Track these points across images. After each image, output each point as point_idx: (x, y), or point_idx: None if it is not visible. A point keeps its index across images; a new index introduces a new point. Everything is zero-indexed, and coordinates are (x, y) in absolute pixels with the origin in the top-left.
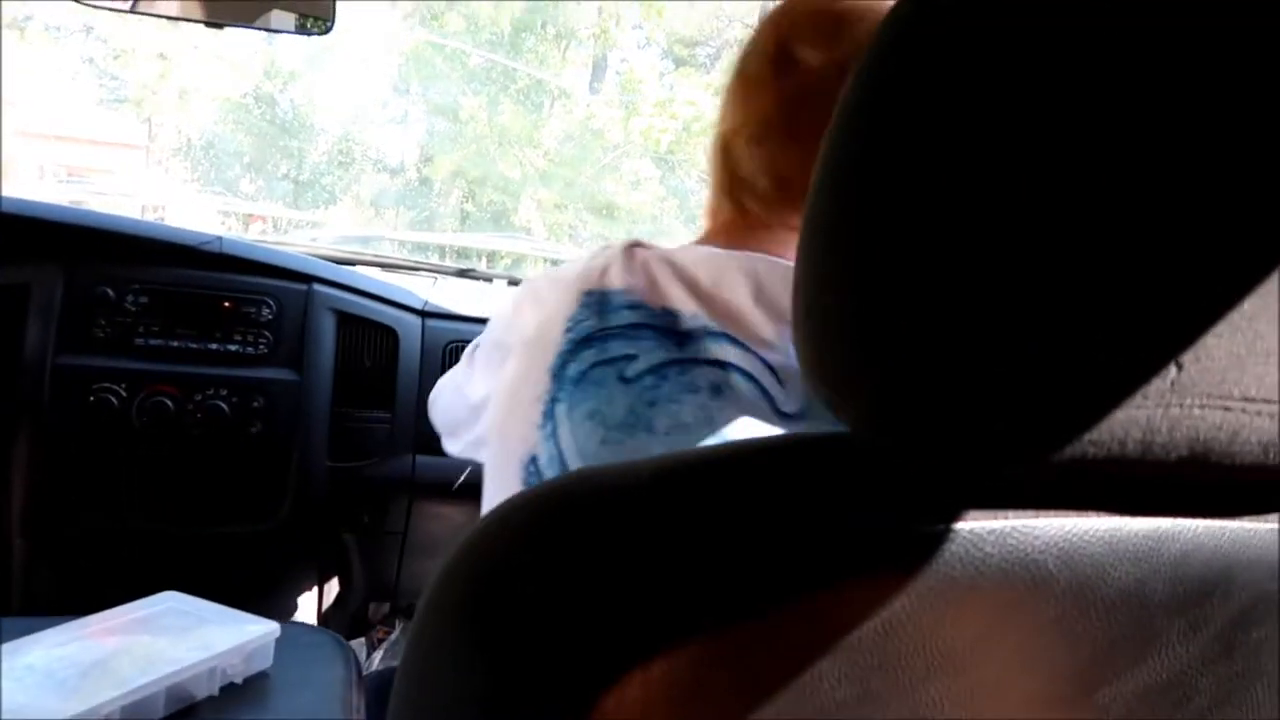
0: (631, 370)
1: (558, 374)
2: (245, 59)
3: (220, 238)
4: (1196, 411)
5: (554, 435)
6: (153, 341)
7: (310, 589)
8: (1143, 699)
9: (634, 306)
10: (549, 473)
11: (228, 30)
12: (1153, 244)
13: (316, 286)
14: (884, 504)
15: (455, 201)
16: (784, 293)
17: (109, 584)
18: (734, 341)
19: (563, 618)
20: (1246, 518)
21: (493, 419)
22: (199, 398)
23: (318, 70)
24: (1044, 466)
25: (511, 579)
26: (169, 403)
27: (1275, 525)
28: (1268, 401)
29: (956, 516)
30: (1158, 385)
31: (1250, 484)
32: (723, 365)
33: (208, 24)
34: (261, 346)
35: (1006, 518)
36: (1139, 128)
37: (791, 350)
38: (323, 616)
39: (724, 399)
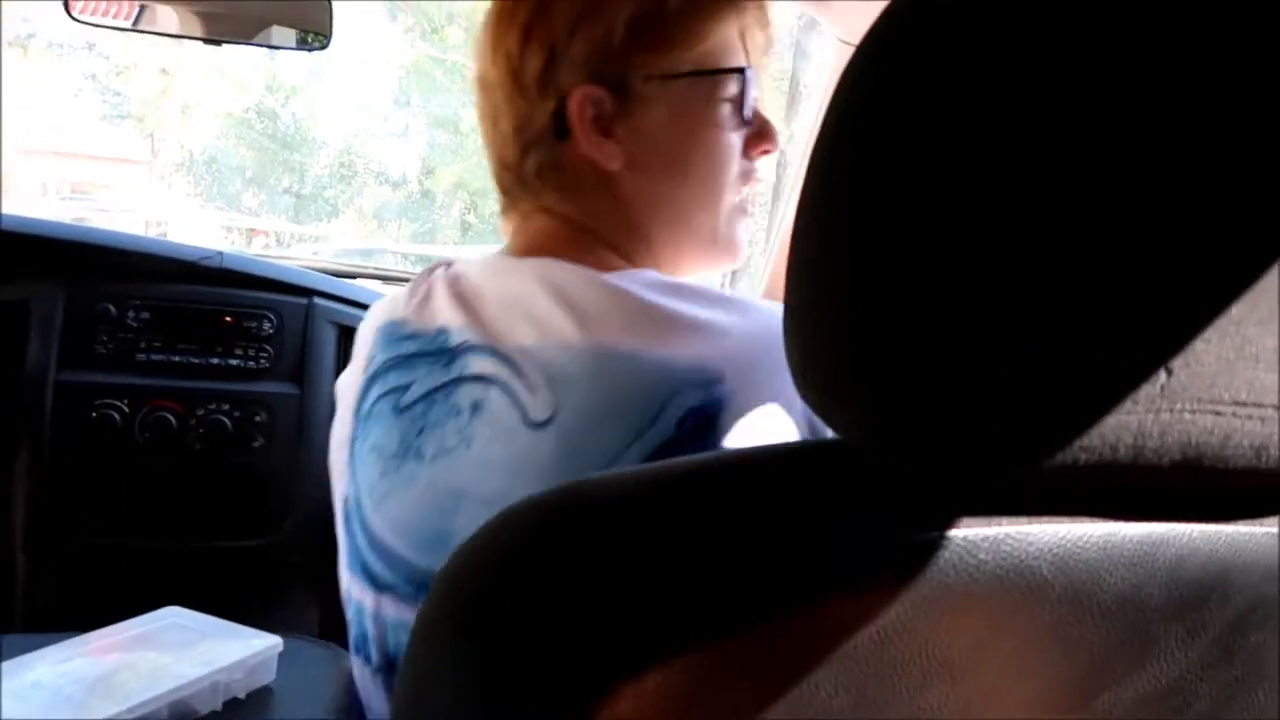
0: (406, 399)
1: (357, 412)
2: (247, 74)
3: (221, 253)
4: (1187, 416)
5: (354, 472)
6: (154, 357)
7: (313, 603)
8: (1142, 705)
9: (412, 336)
10: (355, 511)
11: (228, 46)
12: (1142, 249)
13: (317, 300)
14: (876, 512)
15: (457, 213)
16: (541, 297)
17: (111, 599)
18: (493, 354)
19: (555, 629)
20: (1242, 521)
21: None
22: (201, 412)
23: (319, 85)
24: (1036, 472)
25: (503, 592)
26: (171, 418)
27: (1272, 529)
28: (1259, 405)
29: (950, 524)
30: (1148, 390)
31: (1244, 488)
32: (484, 380)
33: (207, 40)
34: (263, 361)
35: (1000, 524)
36: (1131, 132)
37: (551, 354)
38: (325, 630)
39: (480, 417)
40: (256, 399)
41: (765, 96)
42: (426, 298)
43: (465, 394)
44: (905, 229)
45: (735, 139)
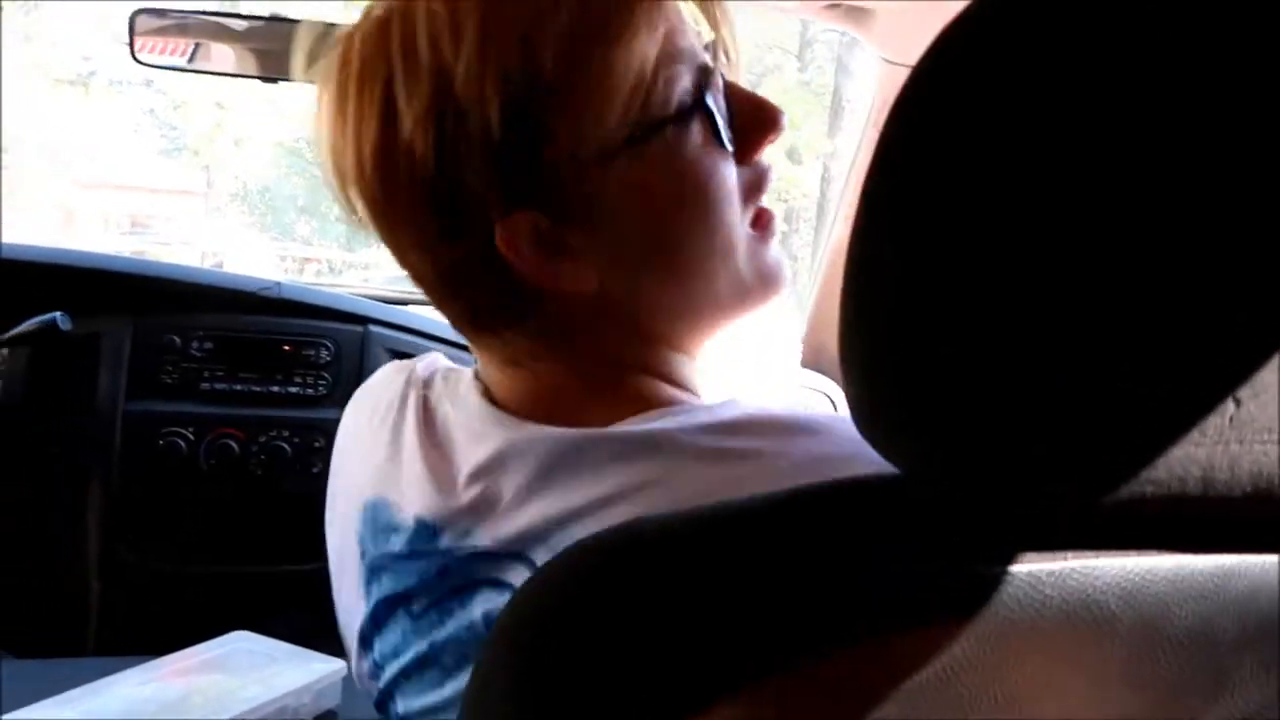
0: (416, 607)
1: (366, 596)
2: (297, 106)
3: (279, 283)
4: (1257, 448)
5: (375, 661)
6: (218, 386)
7: None
8: None
9: (395, 528)
10: (378, 686)
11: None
12: (1207, 281)
13: (372, 327)
14: (939, 547)
15: None
16: (562, 472)
17: (176, 622)
18: (503, 554)
19: (616, 669)
20: None
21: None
22: (262, 439)
23: None
24: (1102, 507)
25: (562, 633)
26: (234, 445)
27: None
28: None
29: (1014, 558)
30: (1215, 422)
31: None
32: (498, 585)
33: (263, 79)
34: (321, 388)
35: (1065, 559)
36: (1199, 160)
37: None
38: None
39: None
40: (315, 425)
41: (804, 110)
42: (396, 447)
43: (479, 604)
44: (960, 264)
45: (723, 171)
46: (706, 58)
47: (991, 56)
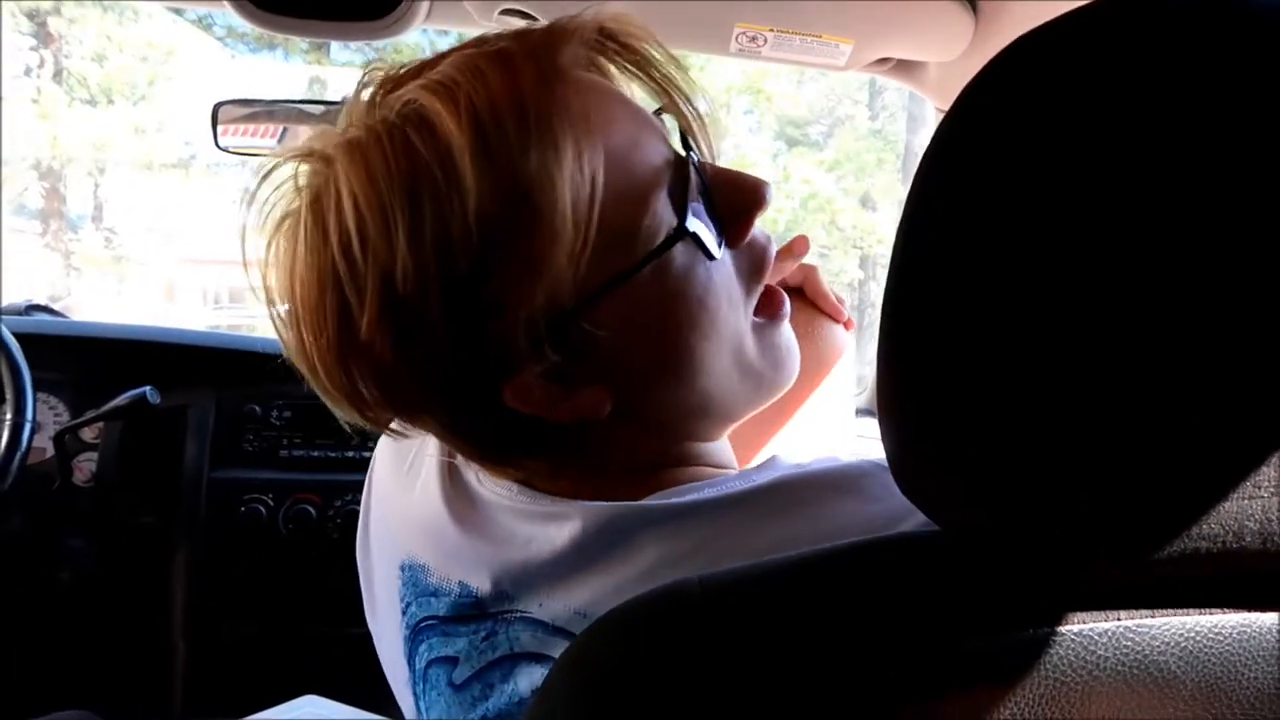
0: (458, 676)
1: (410, 663)
2: None
3: None
4: None
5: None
6: (295, 452)
7: None
8: None
9: (435, 593)
10: None
11: None
12: (1249, 330)
13: None
14: (986, 607)
15: None
16: (595, 549)
17: (256, 684)
18: (541, 625)
19: None
20: None
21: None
22: (338, 503)
23: None
24: (1154, 564)
25: (607, 694)
26: (311, 510)
27: None
28: None
29: (1063, 618)
30: (1269, 473)
31: None
32: (540, 660)
33: None
34: None
35: (1119, 618)
36: (1236, 204)
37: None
38: None
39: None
40: None
41: (876, 158)
42: (429, 508)
43: (524, 678)
44: (998, 312)
45: (718, 274)
46: (672, 149)
47: (1014, 115)
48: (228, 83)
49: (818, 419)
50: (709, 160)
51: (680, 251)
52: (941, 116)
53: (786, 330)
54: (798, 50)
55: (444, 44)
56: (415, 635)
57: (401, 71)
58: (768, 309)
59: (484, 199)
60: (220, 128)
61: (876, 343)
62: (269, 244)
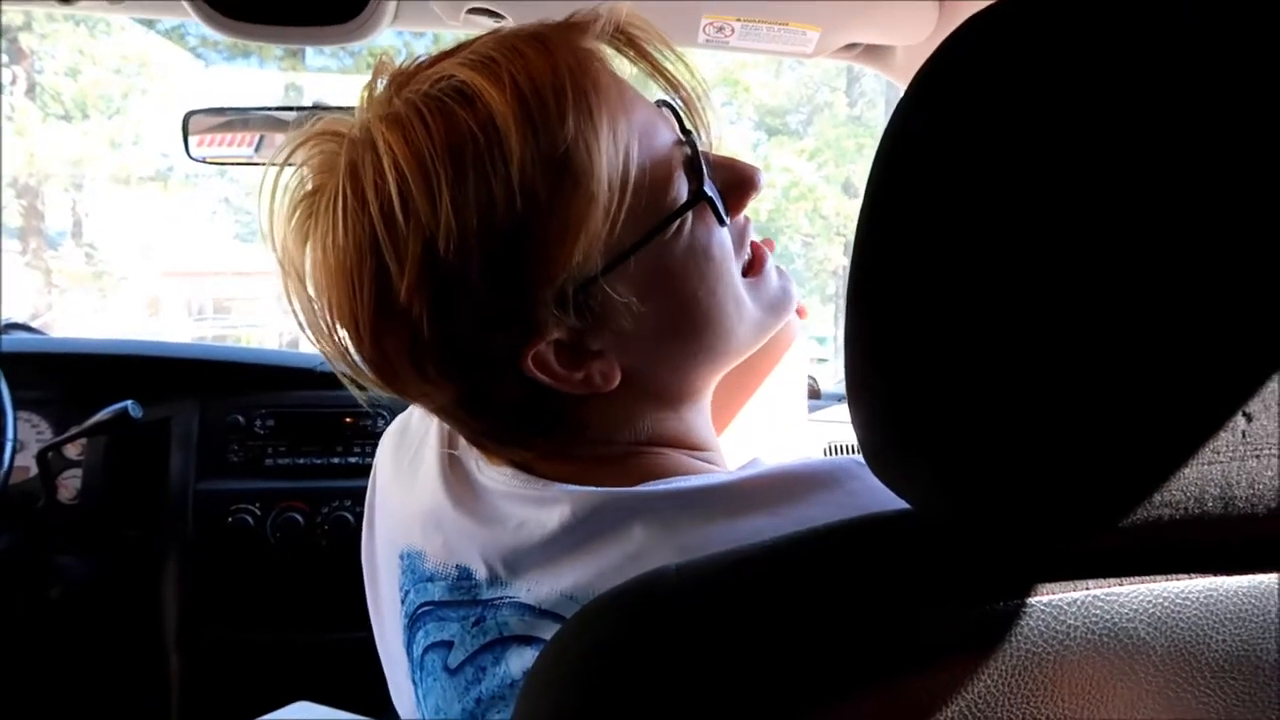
0: (452, 660)
1: (409, 651)
2: None
3: None
4: (1275, 461)
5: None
6: (281, 461)
7: None
8: None
9: (432, 578)
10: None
11: None
12: (1206, 296)
13: None
14: (955, 581)
15: None
16: (596, 540)
17: (247, 691)
18: (531, 609)
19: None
20: None
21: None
22: (325, 510)
23: None
24: (1120, 532)
25: (589, 679)
26: (299, 518)
27: None
28: None
29: (1032, 590)
30: (1227, 438)
31: None
32: (532, 642)
33: None
34: None
35: (1087, 587)
36: (1191, 175)
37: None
38: None
39: None
40: None
41: (856, 144)
42: (430, 497)
43: (514, 660)
44: (959, 286)
45: (721, 236)
46: (677, 134)
47: (972, 92)
48: (203, 92)
49: (775, 400)
50: (708, 148)
51: (697, 214)
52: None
53: (773, 276)
54: (765, 39)
55: (419, 46)
56: (413, 623)
57: (413, 65)
58: (754, 268)
59: (526, 163)
60: (194, 138)
61: (848, 328)
62: (292, 221)
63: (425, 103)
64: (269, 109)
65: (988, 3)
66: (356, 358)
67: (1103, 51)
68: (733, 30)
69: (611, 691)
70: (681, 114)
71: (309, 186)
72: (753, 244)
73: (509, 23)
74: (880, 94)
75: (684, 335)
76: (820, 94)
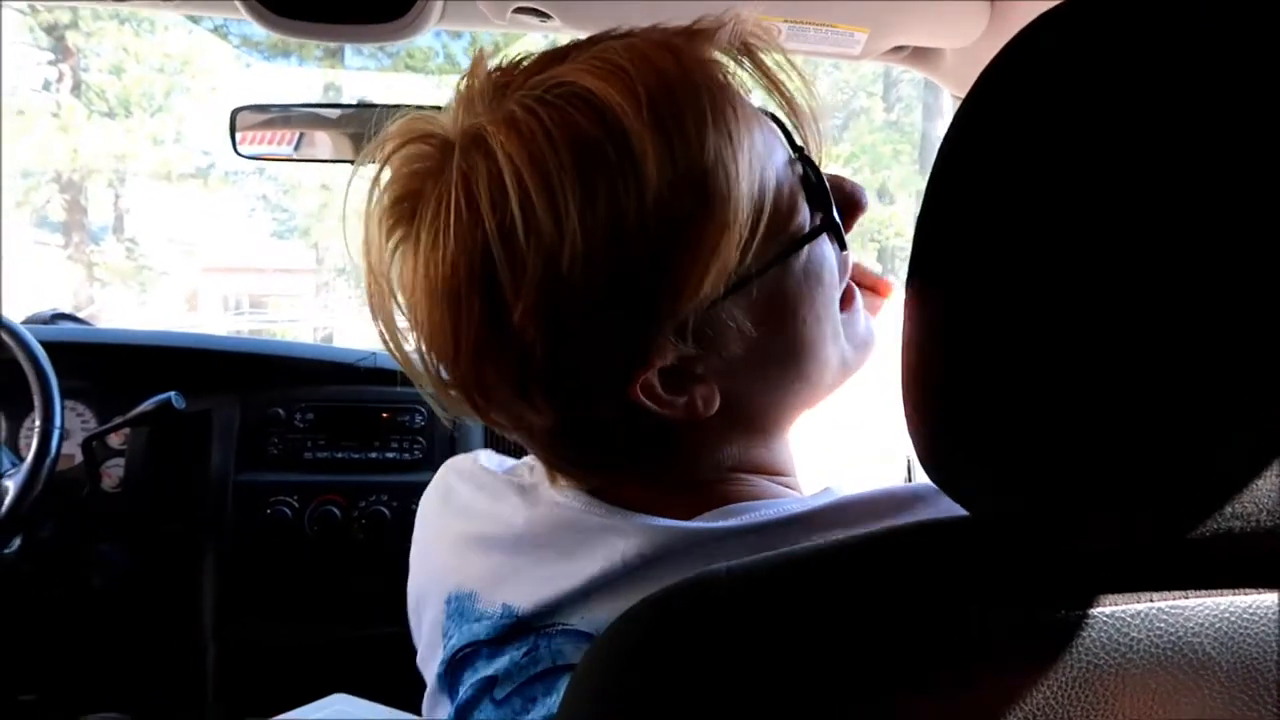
0: (499, 693)
1: (452, 694)
2: None
3: (374, 353)
4: None
5: None
6: (319, 454)
7: None
8: None
9: (479, 618)
10: None
11: None
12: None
13: None
14: (1017, 588)
15: None
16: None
17: (286, 684)
18: (586, 636)
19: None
20: None
21: None
22: (363, 504)
23: None
24: (1187, 544)
25: (635, 677)
26: (336, 511)
27: None
28: None
29: (1095, 601)
30: None
31: None
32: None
33: (354, 162)
34: (417, 452)
35: (1151, 599)
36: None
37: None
38: None
39: None
40: (413, 489)
41: (893, 150)
42: (473, 538)
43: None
44: (1022, 288)
45: (834, 262)
46: (789, 149)
47: (1032, 98)
48: (244, 91)
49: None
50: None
51: (822, 241)
52: (959, 104)
53: (862, 315)
54: (812, 40)
55: (456, 47)
56: (457, 667)
57: (515, 65)
58: (847, 303)
59: (662, 184)
60: (239, 134)
61: (906, 333)
62: (383, 229)
63: (546, 110)
64: (312, 106)
65: (1042, 5)
66: (445, 375)
67: (1168, 56)
68: (780, 31)
69: (659, 688)
70: (791, 129)
71: (401, 191)
72: (847, 286)
73: (556, 23)
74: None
75: (786, 363)
76: (857, 99)
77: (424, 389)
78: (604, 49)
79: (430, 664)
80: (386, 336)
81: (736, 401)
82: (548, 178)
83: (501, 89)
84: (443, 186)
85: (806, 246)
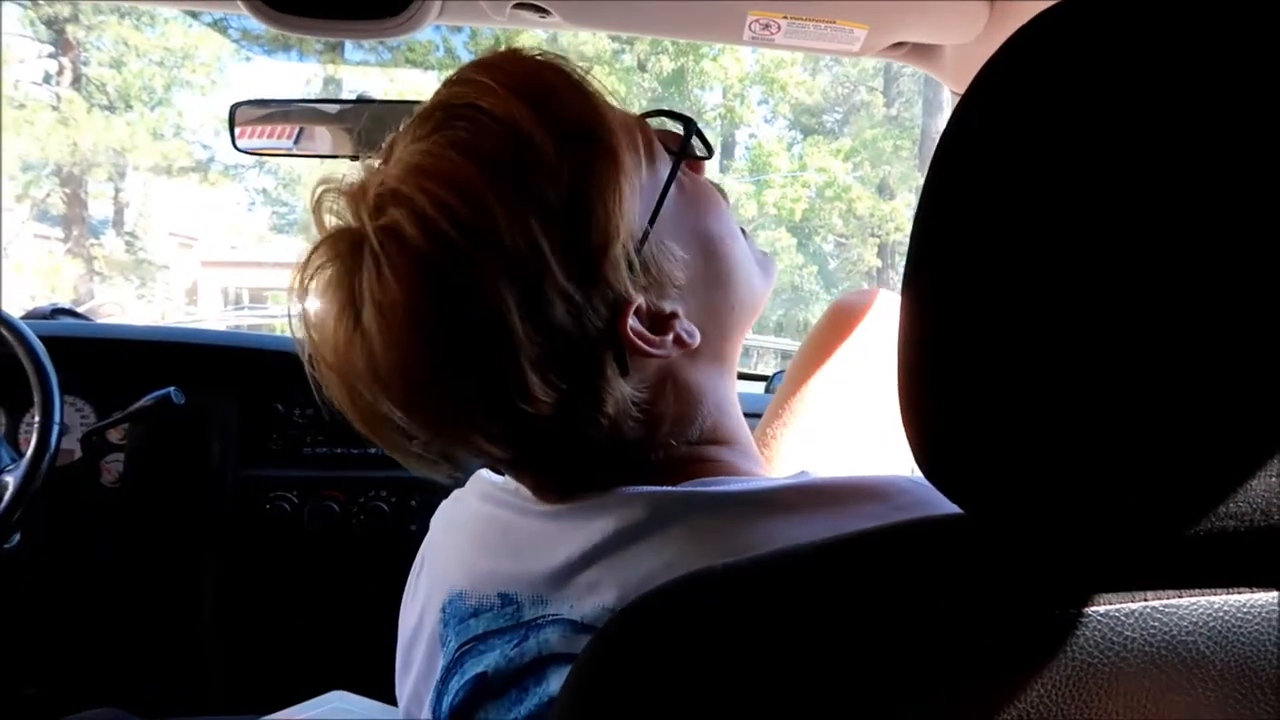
0: (492, 683)
1: (442, 698)
2: None
3: None
4: None
5: None
6: (319, 450)
7: None
8: None
9: (476, 613)
10: None
11: None
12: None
13: None
14: (1012, 587)
15: None
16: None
17: (287, 680)
18: (575, 626)
19: (685, 709)
20: None
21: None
22: (362, 499)
23: None
24: (1182, 543)
25: (629, 679)
26: (335, 506)
27: None
28: None
29: (1089, 599)
30: None
31: None
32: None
33: (354, 157)
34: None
35: (1145, 599)
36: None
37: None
38: None
39: None
40: (411, 484)
41: (893, 145)
42: (472, 539)
43: (555, 679)
44: (1017, 288)
45: (712, 190)
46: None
47: (1031, 95)
48: (243, 86)
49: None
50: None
51: (689, 164)
52: (958, 101)
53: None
54: (811, 36)
55: (456, 41)
56: (454, 666)
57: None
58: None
59: (555, 145)
60: (238, 129)
61: (901, 334)
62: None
63: (432, 141)
64: (311, 101)
65: (1042, 2)
66: (420, 430)
67: (1165, 54)
68: (779, 27)
69: (656, 685)
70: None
71: (330, 272)
72: None
73: (555, 18)
74: (918, 94)
75: (724, 285)
76: (857, 93)
77: (408, 453)
78: (438, 97)
79: (427, 680)
80: (355, 419)
81: (706, 335)
82: (465, 190)
83: (363, 192)
84: (367, 252)
85: (682, 165)
